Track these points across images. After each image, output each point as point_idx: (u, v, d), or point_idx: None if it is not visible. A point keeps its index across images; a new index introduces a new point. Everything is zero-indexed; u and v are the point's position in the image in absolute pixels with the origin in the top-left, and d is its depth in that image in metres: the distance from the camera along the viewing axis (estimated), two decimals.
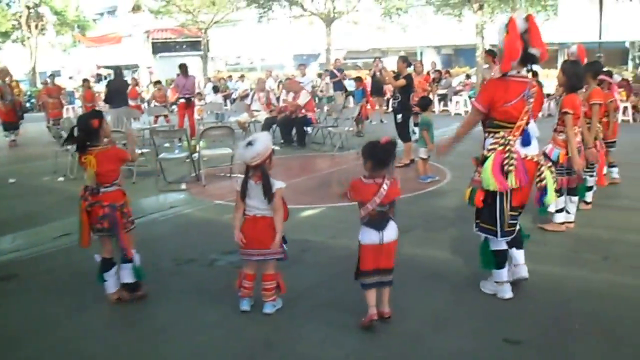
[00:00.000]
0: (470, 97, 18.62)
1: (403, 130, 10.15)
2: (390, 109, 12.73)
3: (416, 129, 10.12)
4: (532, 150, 4.35)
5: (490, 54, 12.21)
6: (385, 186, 3.98)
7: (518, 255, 4.58)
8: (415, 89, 12.51)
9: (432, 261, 5.47)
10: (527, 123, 4.28)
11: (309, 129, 12.88)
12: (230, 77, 26.96)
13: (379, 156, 3.98)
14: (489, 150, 4.29)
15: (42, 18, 34.92)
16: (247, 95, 21.67)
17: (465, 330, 4.10)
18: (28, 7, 33.80)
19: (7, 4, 35.66)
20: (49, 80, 17.97)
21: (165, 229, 6.99)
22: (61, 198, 8.88)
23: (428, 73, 14.50)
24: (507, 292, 4.48)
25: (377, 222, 4.04)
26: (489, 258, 4.50)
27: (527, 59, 4.24)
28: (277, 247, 4.25)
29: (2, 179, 10.58)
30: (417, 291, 4.78)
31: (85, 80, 17.90)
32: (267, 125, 13.57)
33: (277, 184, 4.26)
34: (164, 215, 7.68)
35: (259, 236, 4.26)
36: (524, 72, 4.31)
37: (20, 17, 34.47)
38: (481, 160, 4.35)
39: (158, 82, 17.89)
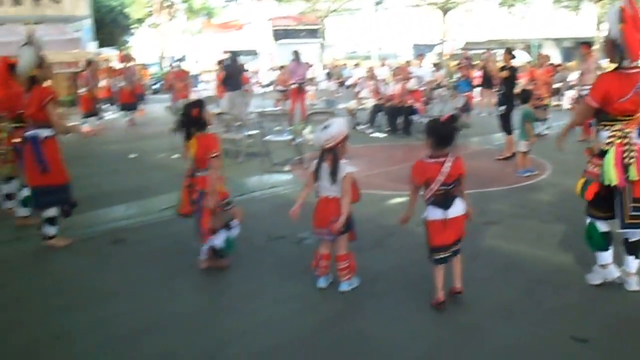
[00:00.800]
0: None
1: (505, 123, 9.92)
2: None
3: (538, 124, 9.81)
4: None
5: (586, 45, 11.65)
6: (448, 164, 3.99)
7: (632, 264, 4.42)
8: (536, 81, 12.22)
9: (512, 254, 5.40)
10: None
11: (415, 118, 12.83)
12: (345, 65, 27.23)
13: (440, 133, 4.01)
14: (607, 144, 4.20)
15: (173, 5, 36.85)
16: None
17: (532, 324, 4.06)
18: None
19: None
20: (174, 65, 19.00)
21: (263, 207, 7.30)
22: (173, 174, 9.42)
23: (552, 65, 13.95)
24: (615, 272, 4.43)
25: (442, 201, 4.08)
26: (597, 240, 4.43)
27: None
28: (338, 227, 4.35)
29: (123, 155, 11.45)
30: (490, 283, 4.77)
31: (220, 62, 18.77)
32: (373, 113, 13.68)
33: (347, 168, 4.38)
34: (263, 194, 8.03)
35: (328, 216, 4.42)
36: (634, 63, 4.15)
37: (153, 4, 36.57)
38: (598, 154, 4.28)
39: (283, 67, 18.40)
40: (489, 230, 6.06)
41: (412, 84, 12.96)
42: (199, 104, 5.04)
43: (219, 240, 4.99)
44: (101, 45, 30.10)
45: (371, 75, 14.72)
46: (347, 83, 23.04)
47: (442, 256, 4.17)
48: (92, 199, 7.75)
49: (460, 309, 4.25)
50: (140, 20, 38.70)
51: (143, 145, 12.79)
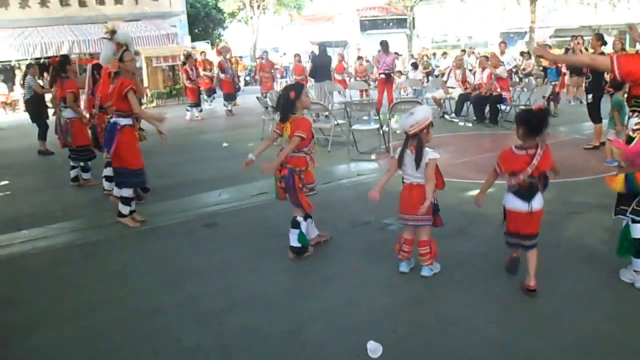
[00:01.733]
0: None
1: (593, 111, 9.62)
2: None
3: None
4: None
5: None
6: (538, 157, 4.01)
7: None
8: None
9: (594, 245, 5.31)
10: None
11: (503, 107, 12.63)
12: (434, 54, 26.97)
13: (531, 123, 4.01)
14: (634, 131, 4.10)
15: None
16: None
17: (611, 315, 4.03)
18: None
19: None
20: (263, 57, 19.51)
21: (349, 194, 7.49)
22: (263, 161, 9.71)
23: (637, 52, 13.31)
24: None
25: (525, 193, 4.12)
26: (629, 245, 4.30)
27: None
28: (423, 212, 4.43)
29: (218, 143, 11.98)
30: (570, 272, 4.74)
31: (296, 55, 19.14)
32: (460, 102, 13.57)
33: (431, 154, 4.46)
34: (350, 181, 8.22)
35: (413, 202, 4.52)
36: None
37: None
38: (627, 141, 4.17)
39: (360, 58, 18.54)
40: (573, 220, 5.99)
41: (500, 72, 12.75)
42: (298, 87, 5.20)
43: (292, 240, 5.21)
44: (195, 40, 31.23)
45: (458, 64, 14.58)
46: (435, 72, 22.85)
47: (511, 241, 4.35)
48: (187, 184, 8.24)
49: (540, 298, 4.27)
50: (232, 15, 39.81)
51: (236, 134, 13.30)
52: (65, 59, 8.69)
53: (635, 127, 4.14)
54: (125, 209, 6.43)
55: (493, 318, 4.04)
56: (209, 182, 8.45)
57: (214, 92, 19.11)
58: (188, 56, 17.07)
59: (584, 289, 4.44)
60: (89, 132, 8.22)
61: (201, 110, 16.94)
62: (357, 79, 17.22)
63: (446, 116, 13.90)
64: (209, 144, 12.28)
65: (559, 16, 31.27)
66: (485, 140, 11.32)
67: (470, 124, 12.99)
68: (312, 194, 5.26)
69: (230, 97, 17.65)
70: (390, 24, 35.82)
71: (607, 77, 9.48)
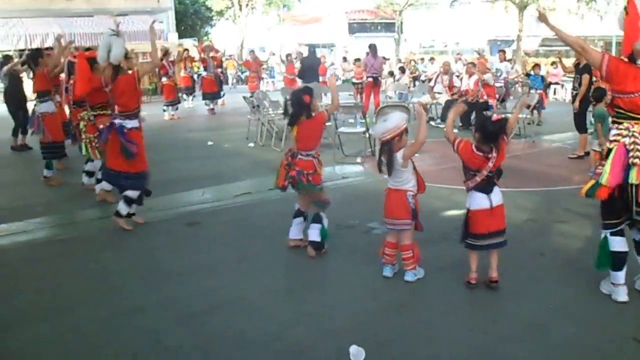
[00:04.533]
0: None
1: (579, 121, 9.71)
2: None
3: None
4: None
5: None
6: (493, 159, 4.24)
7: None
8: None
9: (581, 253, 5.32)
10: None
11: (489, 114, 12.66)
12: (422, 59, 27.01)
13: (487, 130, 4.22)
14: (611, 142, 4.08)
15: None
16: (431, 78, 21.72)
17: (594, 323, 4.05)
18: None
19: None
20: (250, 56, 19.37)
21: (333, 197, 7.30)
22: (248, 162, 9.80)
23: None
24: (622, 295, 4.26)
25: (484, 186, 4.34)
26: (606, 258, 4.30)
27: None
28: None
29: (202, 142, 11.88)
30: (554, 281, 4.76)
31: (288, 55, 19.07)
32: (447, 108, 13.58)
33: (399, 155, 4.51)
34: (335, 184, 8.16)
35: (390, 207, 4.62)
36: None
37: None
38: (605, 153, 4.16)
39: (358, 60, 18.52)
40: (558, 229, 6.03)
41: (487, 78, 12.80)
42: (310, 91, 5.30)
43: (314, 235, 5.23)
44: (182, 37, 31.03)
45: (446, 70, 14.61)
46: (422, 77, 22.85)
47: (480, 244, 4.44)
48: (170, 183, 8.15)
49: (522, 306, 4.28)
50: (220, 13, 39.61)
51: (221, 133, 13.19)
52: (37, 52, 8.52)
53: (613, 139, 4.10)
54: (124, 210, 6.20)
55: (477, 325, 4.03)
56: (192, 180, 8.37)
57: (194, 90, 18.91)
58: (165, 52, 16.85)
59: (567, 298, 4.44)
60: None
61: (177, 109, 16.47)
62: (354, 81, 17.09)
63: (432, 122, 13.92)
64: (193, 142, 12.17)
65: (545, 26, 31.36)
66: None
67: (456, 130, 12.98)
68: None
69: (211, 96, 17.36)
70: (379, 27, 35.90)
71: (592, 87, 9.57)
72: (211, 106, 17.31)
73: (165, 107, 16.21)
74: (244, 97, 14.05)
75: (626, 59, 4.13)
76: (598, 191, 4.12)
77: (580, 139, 9.78)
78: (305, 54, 15.96)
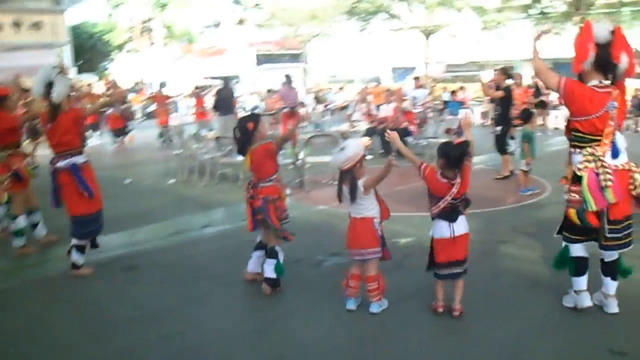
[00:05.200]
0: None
1: (500, 143, 10.00)
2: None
3: (511, 142, 10.02)
4: (622, 160, 4.18)
5: None
6: (457, 185, 4.17)
7: (611, 286, 4.36)
8: (515, 101, 12.20)
9: (534, 270, 5.41)
10: (613, 134, 4.12)
11: (410, 140, 12.85)
12: (330, 89, 27.32)
13: (450, 155, 4.16)
14: (580, 170, 4.14)
15: (153, 31, 36.79)
16: (346, 107, 21.96)
17: (568, 338, 4.07)
18: (143, 22, 35.73)
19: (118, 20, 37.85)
20: (160, 89, 18.80)
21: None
22: (172, 198, 9.37)
23: (528, 86, 14.08)
24: (586, 301, 4.34)
25: (448, 213, 4.25)
26: (565, 259, 4.42)
27: (608, 69, 4.09)
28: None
29: (118, 180, 11.24)
30: (515, 300, 4.77)
31: (197, 88, 18.65)
32: (367, 135, 13.66)
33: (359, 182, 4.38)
34: None
35: (357, 236, 4.45)
36: (606, 82, 4.11)
37: (134, 30, 36.50)
38: (573, 179, 4.21)
39: (270, 91, 18.39)
40: (505, 249, 6.10)
41: (405, 105, 13.01)
42: (255, 117, 5.09)
43: (269, 271, 4.97)
44: (80, 72, 29.91)
45: (363, 98, 14.76)
46: (331, 107, 23.03)
47: (443, 273, 4.35)
48: None
49: (495, 329, 4.23)
50: (119, 47, 38.56)
51: (137, 170, 12.60)
52: None
53: (581, 166, 4.12)
54: (81, 259, 5.70)
55: (455, 352, 3.93)
56: (118, 221, 7.79)
57: (99, 126, 18.12)
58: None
59: (534, 316, 4.44)
60: None
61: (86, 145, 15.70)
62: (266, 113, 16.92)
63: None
64: (109, 180, 11.42)
65: (449, 52, 32.68)
66: (394, 172, 11.34)
67: (371, 156, 13.07)
68: (286, 222, 5.08)
69: (118, 132, 16.74)
70: (285, 58, 36.08)
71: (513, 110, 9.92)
72: (119, 143, 16.60)
73: None
74: (160, 133, 13.60)
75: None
76: (588, 218, 4.14)
77: (503, 160, 10.07)
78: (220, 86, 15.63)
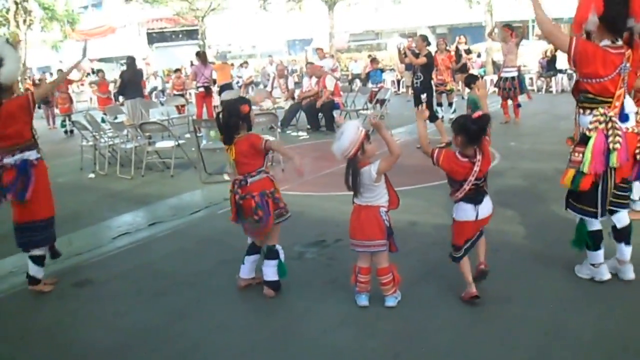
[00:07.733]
0: (481, 75, 18.37)
1: (429, 110, 9.82)
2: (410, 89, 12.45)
3: (439, 108, 9.82)
4: (631, 124, 4.03)
5: (507, 27, 11.97)
6: (478, 163, 3.82)
7: (626, 251, 4.23)
8: (438, 67, 12.12)
9: (528, 239, 5.29)
10: (624, 96, 3.95)
11: (337, 113, 12.50)
12: (232, 64, 26.39)
13: (470, 130, 3.79)
14: (589, 130, 3.93)
15: (30, 13, 33.96)
16: (252, 82, 21.30)
17: (605, 309, 3.93)
18: (16, 3, 32.83)
19: None
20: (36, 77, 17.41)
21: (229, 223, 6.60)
22: (99, 195, 8.51)
23: (449, 52, 14.05)
24: (605, 274, 4.22)
25: (473, 196, 3.92)
26: (584, 239, 4.23)
27: (619, 28, 3.83)
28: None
29: None
30: (524, 274, 4.57)
31: (100, 71, 17.31)
32: (292, 112, 13.21)
33: (372, 168, 3.92)
34: (221, 207, 7.14)
35: (361, 226, 4.02)
36: (619, 42, 3.87)
37: (7, 12, 33.49)
38: (581, 139, 4.01)
39: (178, 70, 17.39)
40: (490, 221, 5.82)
41: (330, 81, 12.60)
42: (246, 100, 4.48)
43: (272, 274, 4.47)
44: None
45: (281, 74, 14.19)
46: (239, 83, 22.21)
47: (462, 254, 4.05)
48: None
49: (523, 307, 4.00)
50: None
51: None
52: None
53: (591, 126, 3.92)
54: (40, 272, 4.92)
55: (498, 338, 3.58)
56: None
57: None
58: None
59: (558, 290, 4.26)
60: None
61: None
62: (176, 93, 15.99)
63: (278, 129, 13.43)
64: None
65: (346, 22, 32.42)
66: (327, 148, 10.95)
67: (305, 134, 12.65)
68: (284, 219, 4.47)
69: None
70: (180, 35, 34.56)
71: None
72: None
73: None
74: (63, 123, 12.43)
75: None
76: (582, 182, 3.96)
77: (437, 127, 9.93)
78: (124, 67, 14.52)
